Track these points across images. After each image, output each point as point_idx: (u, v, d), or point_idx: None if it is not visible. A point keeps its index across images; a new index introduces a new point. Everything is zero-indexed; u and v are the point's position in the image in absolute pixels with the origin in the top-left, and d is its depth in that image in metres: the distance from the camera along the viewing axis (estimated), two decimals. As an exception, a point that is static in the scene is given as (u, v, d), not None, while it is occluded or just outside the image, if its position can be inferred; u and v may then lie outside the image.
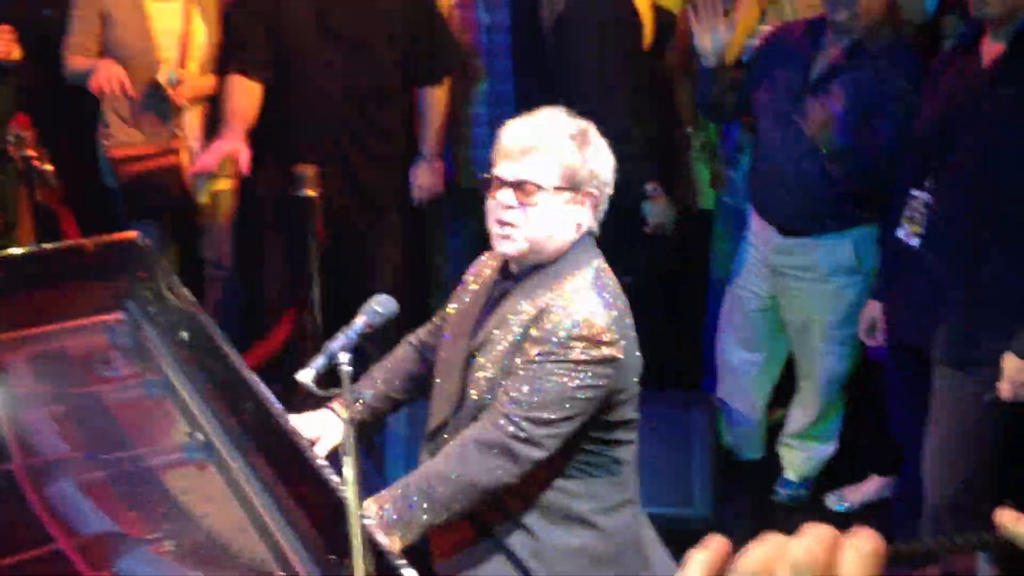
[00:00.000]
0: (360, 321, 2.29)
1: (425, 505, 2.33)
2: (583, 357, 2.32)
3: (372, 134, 4.22)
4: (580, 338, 2.32)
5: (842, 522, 3.51)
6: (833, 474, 4.29)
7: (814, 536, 0.85)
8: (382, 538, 2.28)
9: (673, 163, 4.48)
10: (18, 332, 2.85)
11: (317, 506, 2.24)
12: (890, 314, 3.37)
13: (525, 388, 2.33)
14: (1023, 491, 3.24)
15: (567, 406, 2.33)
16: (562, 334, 2.33)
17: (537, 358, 2.33)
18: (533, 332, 2.36)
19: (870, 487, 4.21)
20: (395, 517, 2.31)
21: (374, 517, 2.30)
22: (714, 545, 0.89)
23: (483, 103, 4.44)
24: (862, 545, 0.83)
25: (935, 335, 3.11)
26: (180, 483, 2.41)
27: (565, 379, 2.32)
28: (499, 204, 2.42)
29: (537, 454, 2.35)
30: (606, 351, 2.34)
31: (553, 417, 2.33)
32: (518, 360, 2.37)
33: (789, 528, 3.03)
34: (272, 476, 2.33)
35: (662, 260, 4.45)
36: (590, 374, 2.33)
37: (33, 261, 3.02)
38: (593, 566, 2.48)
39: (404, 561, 2.16)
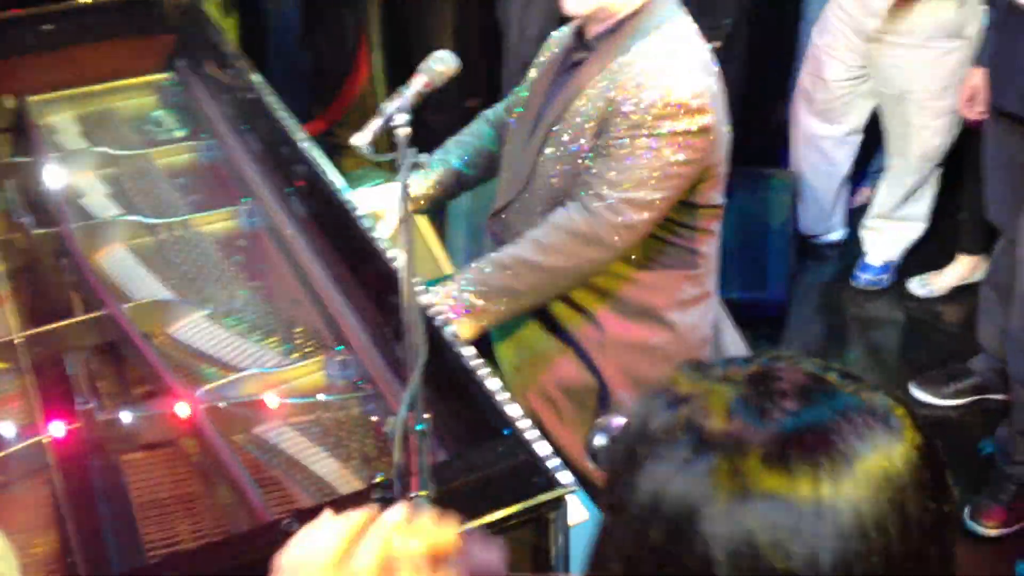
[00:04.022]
0: (418, 80, 2.14)
1: (508, 292, 2.23)
2: (675, 128, 2.14)
3: None
4: (670, 107, 2.14)
5: (926, 307, 3.38)
6: (917, 257, 4.13)
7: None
8: (454, 322, 2.21)
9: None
10: (67, 90, 2.74)
11: (372, 278, 2.15)
12: (996, 82, 3.11)
13: (617, 167, 2.17)
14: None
15: (663, 183, 2.17)
16: (650, 105, 2.14)
17: (626, 134, 2.16)
18: (617, 106, 2.18)
19: (956, 271, 4.04)
20: (473, 301, 2.22)
21: (449, 299, 2.21)
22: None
23: None
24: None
25: None
26: (232, 251, 2.34)
27: (659, 153, 2.15)
28: None
29: (630, 239, 2.22)
30: (698, 119, 2.16)
31: (649, 197, 2.17)
32: (604, 139, 2.20)
33: (867, 313, 2.87)
34: (327, 246, 2.24)
35: (752, 24, 4.16)
36: (684, 146, 2.16)
37: (80, 16, 2.89)
38: (661, 363, 2.38)
39: (460, 339, 2.09)
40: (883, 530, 0.81)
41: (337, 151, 2.64)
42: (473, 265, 2.29)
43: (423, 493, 1.35)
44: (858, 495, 0.80)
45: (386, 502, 1.38)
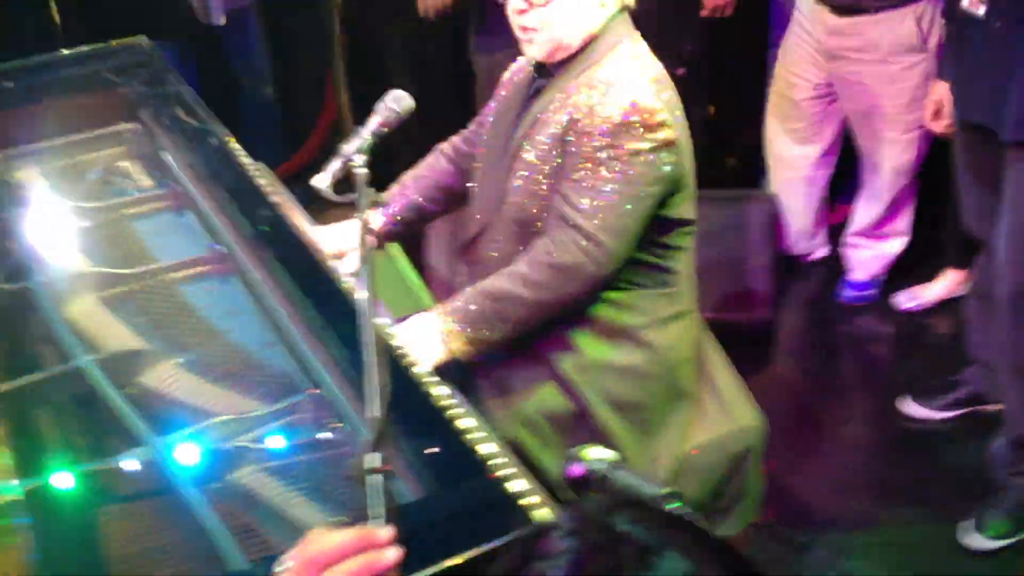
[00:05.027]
0: (374, 120, 2.15)
1: (497, 324, 2.24)
2: (641, 145, 2.15)
3: None
4: (632, 124, 2.15)
5: (914, 320, 3.38)
6: (903, 271, 4.12)
7: None
8: (442, 348, 2.22)
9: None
10: (31, 145, 2.74)
11: (342, 319, 2.14)
12: (957, 93, 3.13)
13: (589, 194, 2.17)
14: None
15: (636, 204, 2.18)
16: (613, 124, 2.15)
17: (592, 157, 2.17)
18: (578, 127, 2.19)
19: (943, 285, 4.03)
20: (463, 331, 2.23)
21: (440, 327, 2.23)
22: None
23: None
24: None
25: (1004, 112, 2.86)
26: (202, 297, 2.32)
27: (626, 175, 2.16)
28: (513, 9, 2.23)
29: (612, 266, 2.23)
30: (660, 134, 2.16)
31: (624, 220, 2.18)
32: (571, 162, 2.20)
33: (854, 329, 2.85)
34: (295, 289, 2.23)
35: (718, 47, 4.18)
36: (650, 163, 2.16)
37: (43, 71, 2.89)
38: (641, 382, 2.37)
39: (432, 376, 2.07)
40: None
41: (311, 192, 2.63)
42: (462, 294, 2.29)
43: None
44: None
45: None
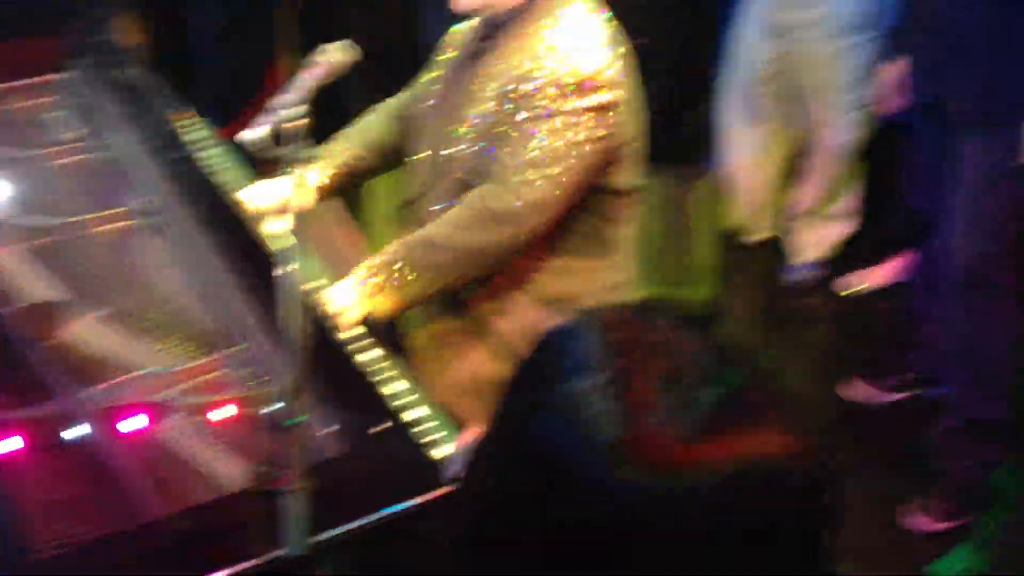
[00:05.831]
0: (309, 73, 2.10)
1: (422, 269, 2.18)
2: (579, 105, 2.12)
3: None
4: (575, 84, 2.12)
5: (861, 302, 3.35)
6: (851, 252, 4.12)
7: None
8: (361, 305, 2.17)
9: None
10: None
11: (270, 275, 2.10)
12: (915, 72, 3.14)
13: (524, 146, 2.14)
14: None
15: (571, 161, 2.15)
16: (555, 83, 2.13)
17: (532, 113, 2.14)
18: (521, 86, 2.16)
19: (891, 266, 4.03)
20: (383, 281, 2.18)
21: (359, 281, 2.18)
22: None
23: None
24: None
25: (961, 92, 2.87)
26: (128, 251, 2.29)
27: (566, 132, 2.13)
28: None
29: (540, 219, 2.18)
30: (602, 96, 2.14)
31: (556, 175, 2.14)
32: (510, 120, 2.18)
33: (798, 310, 2.82)
34: (223, 244, 2.20)
35: (679, 19, 4.15)
36: (592, 123, 2.14)
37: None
38: None
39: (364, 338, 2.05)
40: None
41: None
42: (388, 246, 2.25)
43: (298, 485, 1.30)
44: None
45: (267, 495, 1.35)
